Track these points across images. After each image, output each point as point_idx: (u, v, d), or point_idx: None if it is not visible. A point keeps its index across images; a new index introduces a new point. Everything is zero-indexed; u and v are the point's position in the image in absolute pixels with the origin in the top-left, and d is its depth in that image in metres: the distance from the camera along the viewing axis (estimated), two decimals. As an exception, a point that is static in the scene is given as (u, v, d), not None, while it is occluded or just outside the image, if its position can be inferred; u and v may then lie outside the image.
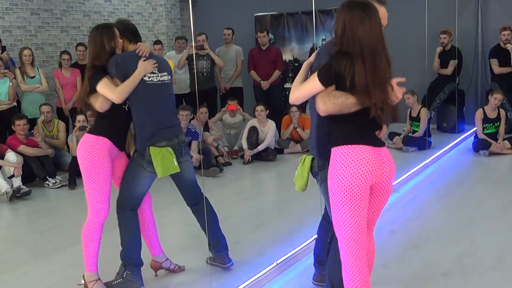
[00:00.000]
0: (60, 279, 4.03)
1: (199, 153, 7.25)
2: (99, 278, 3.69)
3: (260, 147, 7.74)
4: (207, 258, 4.09)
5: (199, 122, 7.79)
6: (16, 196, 6.17)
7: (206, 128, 7.93)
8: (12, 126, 6.82)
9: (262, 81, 8.71)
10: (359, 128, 2.67)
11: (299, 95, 2.77)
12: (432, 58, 8.54)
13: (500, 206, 5.26)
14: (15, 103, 7.46)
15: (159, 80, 3.68)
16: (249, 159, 7.68)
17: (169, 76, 3.79)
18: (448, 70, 8.51)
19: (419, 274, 3.82)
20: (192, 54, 8.43)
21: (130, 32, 3.70)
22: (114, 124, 3.65)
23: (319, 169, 2.98)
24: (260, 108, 7.84)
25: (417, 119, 7.84)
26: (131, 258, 3.70)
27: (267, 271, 3.85)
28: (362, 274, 2.76)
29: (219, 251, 4.00)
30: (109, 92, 3.48)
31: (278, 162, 7.70)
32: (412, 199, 5.67)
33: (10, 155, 6.43)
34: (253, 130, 7.84)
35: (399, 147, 7.83)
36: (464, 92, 8.81)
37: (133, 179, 3.68)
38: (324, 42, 9.58)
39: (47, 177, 6.73)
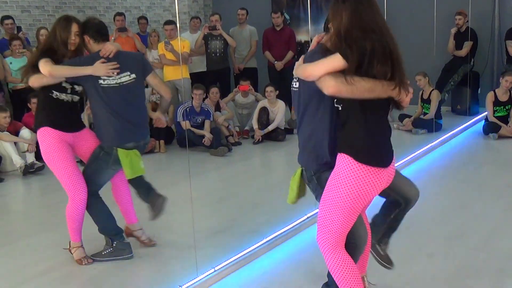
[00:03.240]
0: (61, 251, 4.22)
1: (210, 132, 7.40)
2: (81, 245, 4.01)
3: (270, 127, 7.83)
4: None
5: (211, 102, 7.92)
6: (29, 171, 6.42)
7: (218, 108, 8.05)
8: (28, 104, 7.05)
9: (276, 62, 8.75)
10: (374, 138, 2.59)
11: (318, 70, 2.54)
12: (443, 40, 8.43)
13: (499, 188, 5.27)
14: (32, 82, 7.68)
15: (117, 83, 3.73)
16: (259, 139, 7.78)
17: (133, 75, 3.80)
18: (463, 52, 8.40)
19: (404, 255, 3.88)
20: (208, 34, 8.54)
21: (95, 30, 3.76)
22: (50, 112, 3.81)
23: (311, 178, 2.91)
24: (270, 88, 7.91)
25: (428, 101, 7.81)
26: (109, 230, 3.99)
27: (255, 247, 3.98)
28: (350, 268, 2.77)
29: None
30: (44, 67, 3.60)
31: (287, 142, 7.79)
32: (413, 180, 5.69)
33: (25, 132, 6.68)
34: (264, 111, 7.92)
35: (409, 129, 7.83)
36: (479, 74, 8.71)
37: (96, 173, 3.89)
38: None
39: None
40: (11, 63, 7.40)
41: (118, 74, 3.72)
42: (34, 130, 3.95)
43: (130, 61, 3.85)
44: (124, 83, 3.77)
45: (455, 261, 3.76)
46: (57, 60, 3.70)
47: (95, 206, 3.96)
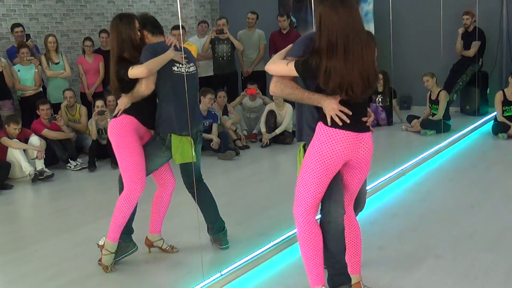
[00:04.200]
0: (68, 257, 4.24)
1: (218, 136, 7.41)
2: (114, 251, 3.88)
3: (278, 131, 7.83)
4: (210, 239, 4.25)
5: (218, 106, 7.93)
6: (39, 178, 6.46)
7: (226, 112, 8.05)
8: (37, 111, 7.10)
9: (282, 65, 8.71)
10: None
11: (274, 69, 2.97)
12: (450, 40, 8.38)
13: (509, 189, 5.22)
14: (41, 89, 7.76)
15: (187, 71, 3.84)
16: (267, 143, 7.78)
17: (195, 67, 3.97)
18: (471, 52, 8.36)
19: (412, 256, 3.87)
20: (215, 38, 8.56)
21: (151, 24, 3.88)
22: (140, 104, 3.82)
23: None
24: (277, 92, 7.87)
25: (436, 102, 7.77)
26: (124, 227, 3.91)
27: (262, 251, 3.97)
28: (315, 241, 2.98)
29: (214, 233, 4.16)
30: (139, 69, 3.66)
31: (295, 145, 7.73)
32: (421, 183, 5.67)
33: (34, 139, 6.72)
34: (271, 114, 7.92)
35: (417, 130, 7.79)
36: (487, 74, 8.65)
37: (148, 156, 3.88)
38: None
39: (69, 159, 7.00)
40: (19, 70, 7.46)
41: (187, 63, 3.84)
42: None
43: (190, 54, 4.00)
44: (191, 72, 3.90)
45: (463, 262, 3.72)
46: (130, 61, 3.74)
47: None
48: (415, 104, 9.28)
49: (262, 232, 4.42)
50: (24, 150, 6.67)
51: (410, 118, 8.03)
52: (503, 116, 7.25)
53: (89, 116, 7.57)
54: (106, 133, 6.77)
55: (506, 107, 7.26)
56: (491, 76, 8.71)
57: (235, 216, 5.00)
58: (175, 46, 3.83)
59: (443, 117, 7.64)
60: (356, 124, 2.88)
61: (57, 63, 7.87)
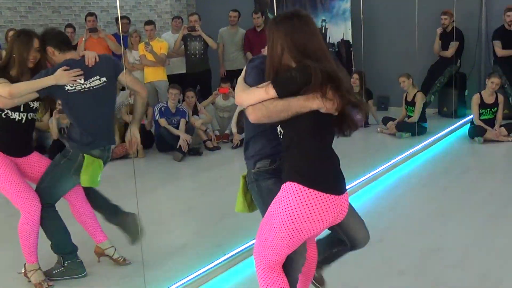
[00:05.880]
0: (14, 274, 3.91)
1: (187, 132, 7.17)
2: (39, 267, 3.67)
3: (249, 132, 7.56)
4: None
5: (187, 105, 7.66)
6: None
7: (196, 112, 7.79)
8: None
9: (257, 63, 8.47)
10: (323, 162, 2.39)
11: (252, 98, 2.37)
12: (427, 40, 8.17)
13: (481, 197, 5.00)
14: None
15: (86, 87, 3.54)
16: (237, 143, 7.53)
17: (103, 79, 3.60)
18: (449, 53, 8.15)
19: (373, 271, 3.64)
20: (188, 34, 8.30)
21: (57, 40, 3.59)
22: (3, 136, 3.58)
23: (251, 182, 2.69)
24: (249, 91, 7.63)
25: (412, 103, 7.55)
26: (63, 248, 3.70)
27: (214, 265, 3.71)
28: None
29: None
30: (3, 88, 3.35)
31: (267, 146, 7.51)
32: (392, 189, 5.45)
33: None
34: (243, 114, 7.63)
35: (392, 132, 7.57)
36: (465, 76, 8.45)
37: (58, 182, 3.63)
38: (323, 24, 9.31)
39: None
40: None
41: (86, 79, 3.52)
42: None
43: (100, 64, 3.62)
44: (94, 87, 3.57)
45: (428, 279, 3.49)
46: (15, 80, 3.46)
47: (49, 220, 3.67)
48: (393, 105, 9.05)
49: (218, 243, 4.16)
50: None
51: (386, 120, 7.81)
52: (480, 119, 7.05)
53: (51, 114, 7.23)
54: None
55: (483, 110, 7.06)
56: (470, 77, 8.51)
57: (193, 224, 4.77)
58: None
59: (419, 119, 7.43)
60: (337, 181, 2.41)
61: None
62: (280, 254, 2.46)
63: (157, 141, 7.51)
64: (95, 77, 3.58)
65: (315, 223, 2.34)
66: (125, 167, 6.53)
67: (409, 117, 7.60)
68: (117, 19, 8.91)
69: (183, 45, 8.43)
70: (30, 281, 3.68)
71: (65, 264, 3.70)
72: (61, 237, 3.72)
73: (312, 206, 2.30)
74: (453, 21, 8.12)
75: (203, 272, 3.61)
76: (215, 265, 3.70)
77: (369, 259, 3.78)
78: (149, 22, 8.35)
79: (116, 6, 10.04)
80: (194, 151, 7.23)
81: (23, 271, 3.71)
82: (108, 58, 3.87)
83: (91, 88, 3.56)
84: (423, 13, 7.33)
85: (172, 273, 3.66)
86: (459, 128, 7.71)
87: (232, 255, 3.84)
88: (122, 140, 7.21)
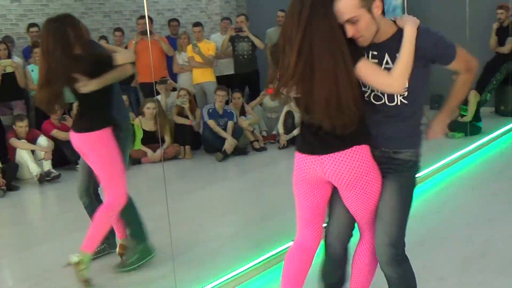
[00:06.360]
0: (50, 267, 4.02)
1: (234, 133, 7.23)
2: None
3: (295, 132, 7.50)
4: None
5: (234, 106, 7.69)
6: (45, 179, 6.36)
7: (243, 113, 7.81)
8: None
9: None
10: (306, 135, 2.66)
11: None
12: (484, 36, 7.85)
13: (534, 202, 4.75)
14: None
15: None
16: (284, 144, 7.49)
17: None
18: (506, 48, 7.83)
19: (413, 277, 3.50)
20: (235, 35, 8.33)
21: None
22: None
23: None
24: (294, 92, 7.57)
25: (465, 102, 7.27)
26: (142, 232, 3.86)
27: (249, 266, 3.68)
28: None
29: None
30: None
31: (313, 147, 7.43)
32: (440, 191, 5.25)
33: (42, 140, 6.63)
34: (289, 115, 7.63)
35: (445, 132, 7.30)
36: (524, 72, 8.09)
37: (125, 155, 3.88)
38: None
39: (78, 161, 6.85)
40: (32, 70, 7.37)
41: None
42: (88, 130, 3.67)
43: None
44: None
45: (468, 287, 3.33)
46: None
47: (129, 206, 3.79)
48: (447, 104, 8.74)
49: (257, 245, 4.13)
50: (33, 151, 6.58)
51: (438, 120, 7.55)
52: (538, 118, 6.71)
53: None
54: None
55: (542, 109, 6.72)
56: (529, 74, 8.13)
57: (233, 224, 4.76)
58: None
59: (472, 118, 7.14)
60: (307, 146, 2.66)
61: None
62: (297, 212, 2.91)
63: (204, 142, 7.58)
64: None
65: (297, 176, 2.78)
66: (172, 169, 6.64)
67: (462, 116, 7.32)
68: (169, 21, 9.04)
69: (231, 46, 8.47)
70: (80, 272, 3.53)
71: (140, 247, 3.80)
72: (140, 222, 3.86)
73: (295, 164, 2.76)
74: (510, 16, 7.79)
75: (237, 274, 3.59)
76: (251, 266, 3.68)
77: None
78: (197, 24, 8.44)
79: (171, 9, 10.24)
80: (240, 151, 7.23)
81: (77, 261, 3.53)
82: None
83: None
84: (475, 7, 7.02)
85: (206, 274, 3.67)
86: (518, 127, 7.37)
87: (269, 256, 3.80)
88: (174, 140, 7.34)
